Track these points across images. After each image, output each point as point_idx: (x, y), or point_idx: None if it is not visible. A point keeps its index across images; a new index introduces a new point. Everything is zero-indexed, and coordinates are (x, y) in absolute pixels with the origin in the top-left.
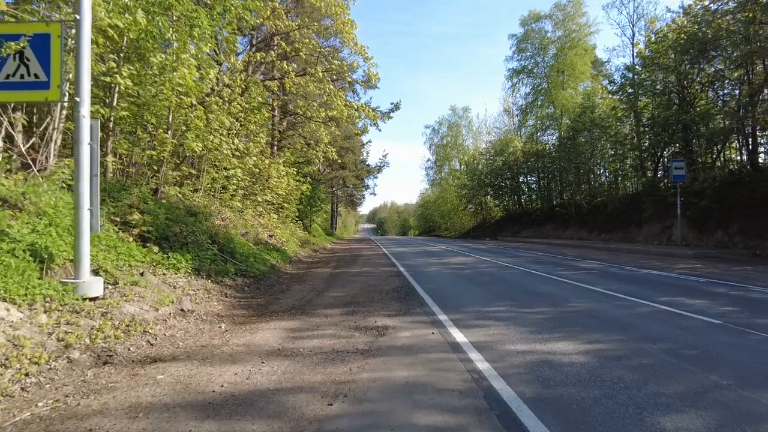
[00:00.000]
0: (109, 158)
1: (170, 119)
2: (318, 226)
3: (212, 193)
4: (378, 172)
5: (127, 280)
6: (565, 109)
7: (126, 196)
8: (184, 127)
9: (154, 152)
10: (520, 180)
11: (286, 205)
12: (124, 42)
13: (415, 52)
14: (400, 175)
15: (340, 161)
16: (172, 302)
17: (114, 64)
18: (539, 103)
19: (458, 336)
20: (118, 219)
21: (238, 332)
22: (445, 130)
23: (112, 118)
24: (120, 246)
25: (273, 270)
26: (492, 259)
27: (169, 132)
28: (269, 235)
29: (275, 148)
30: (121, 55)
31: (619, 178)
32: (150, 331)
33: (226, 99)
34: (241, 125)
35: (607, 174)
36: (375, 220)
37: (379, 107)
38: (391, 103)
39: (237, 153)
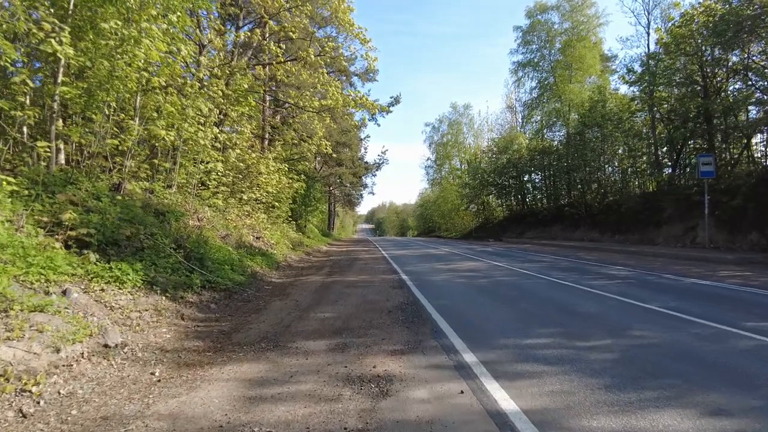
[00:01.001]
0: (50, 144)
1: (138, 103)
2: (314, 226)
3: (189, 190)
4: (377, 170)
5: (28, 305)
6: (573, 104)
7: (72, 191)
8: (155, 114)
9: (116, 141)
10: (525, 178)
11: (277, 204)
12: (71, 5)
13: (414, 52)
14: (399, 175)
15: (335, 156)
16: (91, 335)
17: (49, 26)
18: (546, 97)
19: (501, 398)
20: (46, 219)
21: (173, 386)
22: (446, 128)
23: (56, 97)
24: (36, 255)
25: (253, 279)
26: (505, 265)
27: (137, 119)
28: (256, 237)
29: (266, 142)
30: (68, 20)
31: (634, 176)
32: (33, 389)
33: (205, 84)
34: (224, 114)
35: (619, 171)
36: (373, 220)
37: (378, 100)
38: (391, 97)
39: (217, 144)
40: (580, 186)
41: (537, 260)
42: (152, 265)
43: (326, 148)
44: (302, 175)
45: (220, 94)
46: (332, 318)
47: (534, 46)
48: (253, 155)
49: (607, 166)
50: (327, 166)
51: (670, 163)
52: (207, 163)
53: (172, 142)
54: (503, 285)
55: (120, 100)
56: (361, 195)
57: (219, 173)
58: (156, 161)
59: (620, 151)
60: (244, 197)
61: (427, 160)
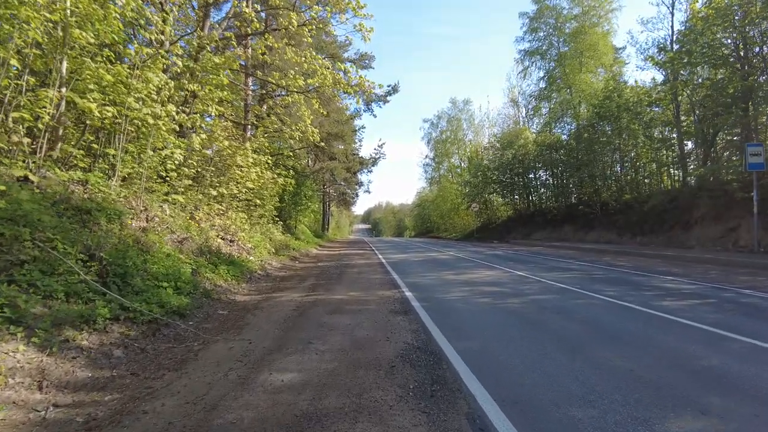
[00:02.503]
0: None
1: (63, 68)
2: (306, 227)
3: (139, 183)
4: (373, 165)
5: None
6: (585, 94)
7: None
8: (93, 85)
9: (25, 114)
10: (532, 175)
11: (259, 201)
12: None
13: (408, 51)
14: (396, 175)
15: (326, 148)
16: None
17: None
18: (554, 88)
19: None
20: None
21: None
22: (445, 125)
23: None
24: None
25: (205, 301)
26: (531, 275)
27: (58, 87)
28: (229, 241)
29: (249, 132)
30: None
31: (657, 172)
32: None
33: (161, 52)
34: (192, 96)
35: (638, 167)
36: (370, 220)
37: (373, 85)
38: (388, 86)
39: (176, 126)
40: (593, 183)
41: (564, 267)
42: (31, 287)
43: (313, 136)
44: (291, 171)
45: (181, 66)
46: (295, 387)
47: (541, 34)
48: (225, 142)
49: (624, 160)
50: (318, 160)
51: (701, 156)
52: (164, 149)
53: (111, 120)
54: (547, 310)
55: (26, 58)
56: (357, 194)
57: (177, 162)
58: (95, 146)
59: (639, 144)
60: (213, 192)
61: (426, 157)
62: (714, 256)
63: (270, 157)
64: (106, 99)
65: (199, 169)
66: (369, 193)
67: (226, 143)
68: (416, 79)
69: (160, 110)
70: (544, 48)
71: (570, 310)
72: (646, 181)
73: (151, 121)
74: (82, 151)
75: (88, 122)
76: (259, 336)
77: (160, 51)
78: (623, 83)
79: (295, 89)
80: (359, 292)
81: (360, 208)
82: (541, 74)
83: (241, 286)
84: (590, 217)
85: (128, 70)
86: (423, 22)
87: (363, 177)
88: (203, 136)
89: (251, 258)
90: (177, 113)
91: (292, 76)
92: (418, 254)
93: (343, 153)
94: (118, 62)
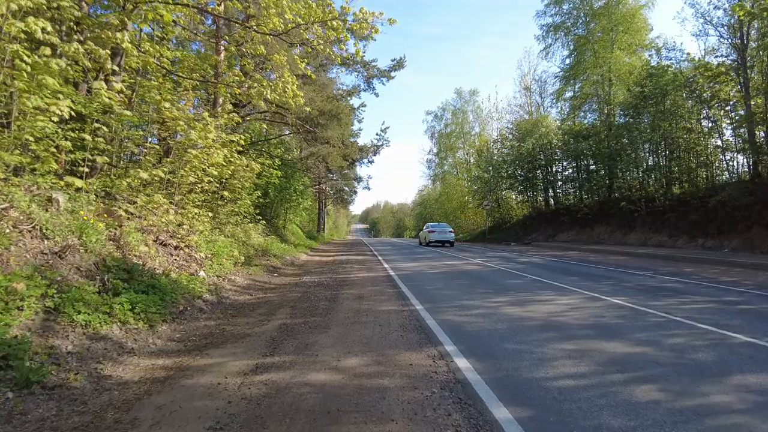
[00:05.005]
0: None
1: None
2: (297, 227)
3: None
4: (375, 154)
5: None
6: (620, 74)
7: None
8: None
9: None
10: (555, 168)
11: (227, 194)
12: None
13: (408, 52)
14: (394, 174)
15: (317, 130)
16: None
17: None
18: (581, 69)
19: None
20: None
21: None
22: (450, 117)
23: None
24: None
25: (11, 400)
26: (637, 305)
27: None
28: (174, 247)
29: (219, 106)
30: None
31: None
32: None
33: None
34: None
35: (695, 154)
36: (368, 220)
37: (375, 61)
38: (392, 60)
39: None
40: (636, 175)
41: (663, 287)
42: None
43: (295, 96)
44: (277, 160)
45: None
46: None
47: (566, 6)
48: (167, 104)
49: (673, 148)
50: (306, 143)
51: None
52: (43, 110)
53: None
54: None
55: None
56: (355, 191)
57: (54, 124)
58: None
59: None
60: (144, 175)
61: (429, 152)
62: None
63: (243, 137)
64: None
65: (113, 142)
66: (369, 189)
67: (167, 104)
68: (416, 79)
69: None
70: (569, 23)
71: None
72: (702, 171)
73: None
74: None
75: None
76: None
77: None
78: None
79: (266, 30)
80: (365, 358)
81: (358, 207)
82: (566, 53)
83: (153, 334)
84: (635, 215)
85: None
86: (421, 23)
87: (362, 171)
88: (120, 87)
89: (201, 274)
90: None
91: (266, 17)
92: (432, 262)
93: (339, 138)
94: None
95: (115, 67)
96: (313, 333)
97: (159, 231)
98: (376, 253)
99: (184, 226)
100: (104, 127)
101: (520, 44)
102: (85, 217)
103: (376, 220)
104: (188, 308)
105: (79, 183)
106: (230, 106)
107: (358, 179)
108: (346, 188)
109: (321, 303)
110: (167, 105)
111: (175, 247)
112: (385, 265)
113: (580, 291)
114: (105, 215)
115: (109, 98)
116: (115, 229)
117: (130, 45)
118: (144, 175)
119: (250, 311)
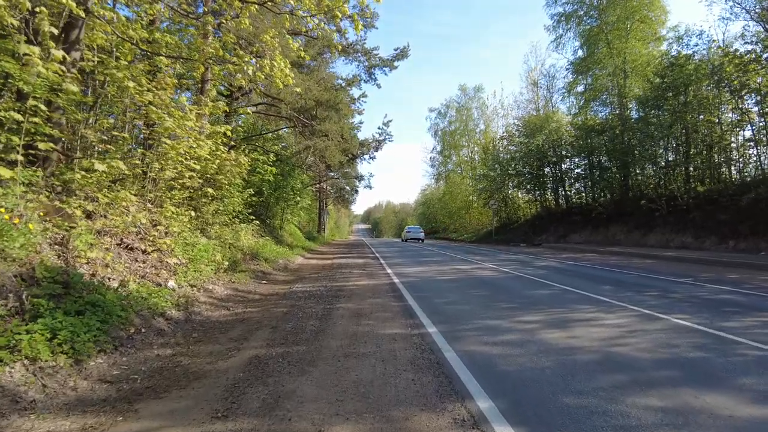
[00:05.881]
0: None
1: None
2: (296, 227)
3: None
4: (376, 149)
5: None
6: (636, 65)
7: None
8: None
9: None
10: (566, 166)
11: (211, 191)
12: None
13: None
14: (396, 175)
15: (315, 123)
16: None
17: None
18: (594, 60)
19: None
20: None
21: None
22: (454, 114)
23: None
24: None
25: None
26: (701, 326)
27: None
28: (142, 252)
29: (205, 94)
30: None
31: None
32: None
33: None
34: None
35: (722, 149)
36: (370, 220)
37: (377, 49)
38: (395, 49)
39: None
40: (655, 172)
41: (737, 303)
42: None
43: (284, 76)
44: (271, 155)
45: None
46: None
47: None
48: (140, 89)
49: (696, 143)
50: (303, 137)
51: None
52: None
53: None
54: None
55: None
56: (356, 189)
57: None
58: None
59: (723, 121)
60: (99, 167)
61: (432, 150)
62: None
63: (228, 127)
64: None
65: (79, 123)
66: (370, 188)
67: (131, 84)
68: (417, 79)
69: None
70: (582, 12)
71: None
72: (729, 167)
73: None
74: None
75: None
76: None
77: None
78: (699, 39)
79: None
80: (361, 427)
81: (360, 207)
82: (578, 44)
83: (77, 373)
84: (656, 214)
85: None
86: (422, 23)
87: (363, 168)
88: (59, 54)
89: (171, 284)
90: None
91: None
92: (441, 267)
93: (338, 131)
94: None
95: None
96: (291, 374)
97: (125, 232)
98: (378, 255)
99: (160, 227)
100: (43, 106)
101: (524, 45)
102: (6, 216)
103: (378, 220)
104: (142, 330)
105: (5, 173)
106: (215, 93)
107: (360, 177)
108: (347, 187)
109: (309, 323)
110: (132, 84)
111: (144, 252)
112: (388, 270)
113: (625, 305)
114: (51, 214)
115: (56, 73)
116: (66, 230)
117: (83, 12)
118: (101, 166)
119: (220, 333)
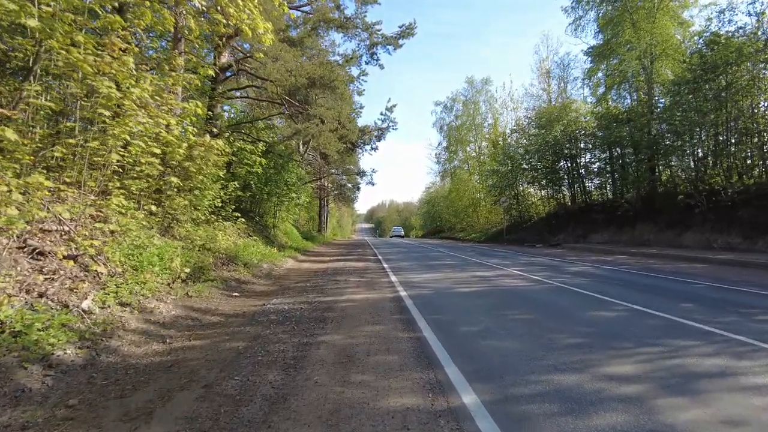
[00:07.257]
0: None
1: None
2: (293, 226)
3: None
4: (378, 139)
5: None
6: (666, 46)
7: None
8: None
9: None
10: (586, 159)
11: (176, 180)
12: None
13: (414, 48)
14: (399, 174)
15: (307, 94)
16: None
17: None
18: (618, 42)
19: None
20: None
21: None
22: (460, 108)
23: None
24: None
25: None
26: None
27: None
28: (68, 257)
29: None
30: None
31: None
32: None
33: None
34: None
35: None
36: (373, 219)
37: (379, 24)
38: (399, 26)
39: None
40: (691, 164)
41: None
42: None
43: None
44: (260, 144)
45: None
46: None
47: None
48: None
49: (742, 130)
50: (294, 121)
51: None
52: None
53: None
54: None
55: None
56: (358, 186)
57: None
58: None
59: None
60: None
61: (438, 146)
62: None
63: (200, 103)
64: None
65: None
66: (373, 184)
67: (32, 23)
68: (417, 79)
69: None
70: None
71: None
72: None
73: None
74: None
75: None
76: None
77: None
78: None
79: None
80: None
81: (363, 206)
82: (597, 28)
83: None
84: (689, 211)
85: None
86: (423, 21)
87: (364, 163)
88: None
89: (86, 304)
90: None
91: None
92: (456, 273)
93: (335, 116)
94: None
95: None
96: None
97: (34, 231)
98: (380, 257)
99: (99, 224)
100: None
101: (524, 43)
102: None
103: (382, 219)
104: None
105: None
106: (181, 62)
107: (361, 173)
108: (349, 184)
109: (268, 377)
110: (33, 24)
111: (70, 258)
112: (392, 278)
113: (755, 343)
114: None
115: None
116: None
117: None
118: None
119: (116, 398)
